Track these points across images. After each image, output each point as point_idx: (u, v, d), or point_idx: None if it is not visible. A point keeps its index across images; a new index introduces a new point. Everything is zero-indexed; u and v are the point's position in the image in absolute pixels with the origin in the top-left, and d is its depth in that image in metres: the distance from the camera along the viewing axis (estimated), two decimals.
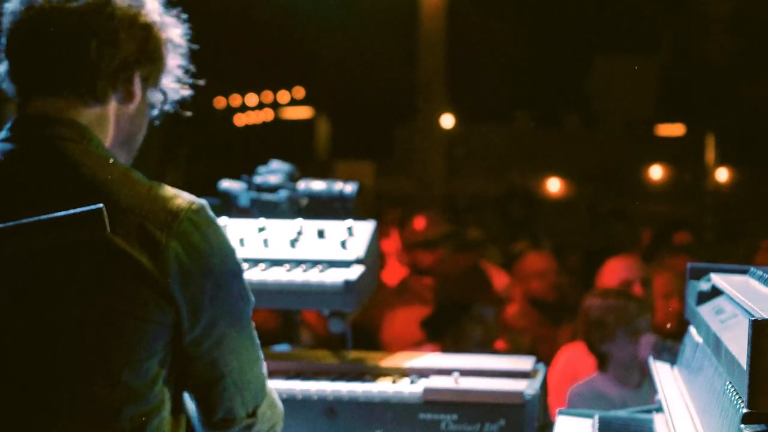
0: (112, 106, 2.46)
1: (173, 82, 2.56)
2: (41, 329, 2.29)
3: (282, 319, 4.11)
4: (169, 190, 2.38)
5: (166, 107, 2.60)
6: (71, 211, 2.00)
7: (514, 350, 5.93)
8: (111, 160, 2.40)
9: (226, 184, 4.02)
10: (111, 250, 2.27)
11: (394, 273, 7.39)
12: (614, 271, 6.18)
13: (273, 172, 4.03)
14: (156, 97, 2.55)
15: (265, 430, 2.59)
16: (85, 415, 2.29)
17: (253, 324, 2.51)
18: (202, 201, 2.40)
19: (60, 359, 2.29)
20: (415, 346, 5.57)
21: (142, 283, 2.29)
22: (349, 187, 3.92)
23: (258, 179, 3.99)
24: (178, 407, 2.45)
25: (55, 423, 2.29)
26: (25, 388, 2.30)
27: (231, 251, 2.42)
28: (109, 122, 2.46)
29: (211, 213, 2.40)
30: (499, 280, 6.42)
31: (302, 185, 3.98)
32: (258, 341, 2.53)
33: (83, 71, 2.41)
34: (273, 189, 3.93)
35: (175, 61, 2.55)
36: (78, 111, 2.42)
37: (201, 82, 2.65)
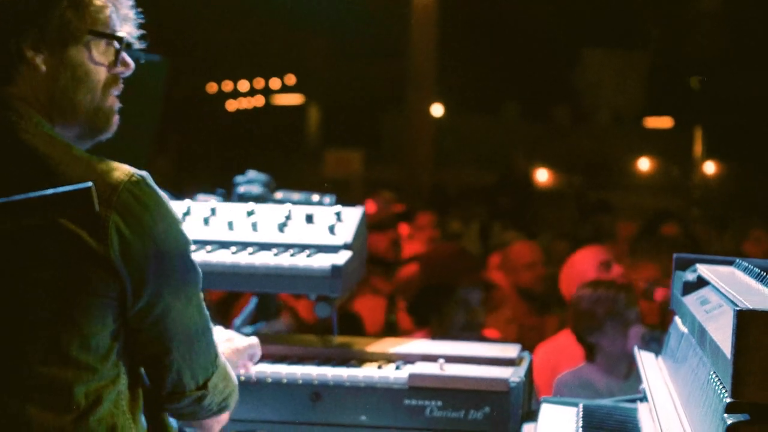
0: (39, 75, 2.41)
1: (101, 39, 2.46)
2: None
3: (260, 299, 4.11)
4: (109, 164, 2.35)
5: (121, 73, 2.51)
6: (59, 189, 1.99)
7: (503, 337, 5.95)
8: (51, 137, 2.38)
9: (202, 198, 4.01)
10: (50, 225, 2.25)
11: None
12: (590, 257, 6.14)
13: (252, 182, 4.04)
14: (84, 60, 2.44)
15: (218, 401, 2.58)
16: (38, 393, 2.28)
17: (202, 295, 2.49)
18: (143, 173, 2.36)
19: (8, 339, 2.28)
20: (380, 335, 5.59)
21: (84, 258, 2.27)
22: (327, 199, 3.96)
23: (241, 189, 3.99)
24: (135, 380, 2.43)
25: (8, 402, 2.28)
26: None
27: (174, 221, 2.40)
28: (41, 92, 2.41)
29: (152, 184, 2.37)
30: None
31: (279, 195, 4.00)
32: (207, 313, 2.51)
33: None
34: (257, 199, 3.93)
35: (89, 15, 2.44)
36: (13, 90, 2.40)
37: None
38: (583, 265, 6.06)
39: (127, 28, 2.53)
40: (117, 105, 2.53)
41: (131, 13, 2.55)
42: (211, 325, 2.53)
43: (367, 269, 6.94)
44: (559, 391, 5.04)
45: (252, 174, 4.06)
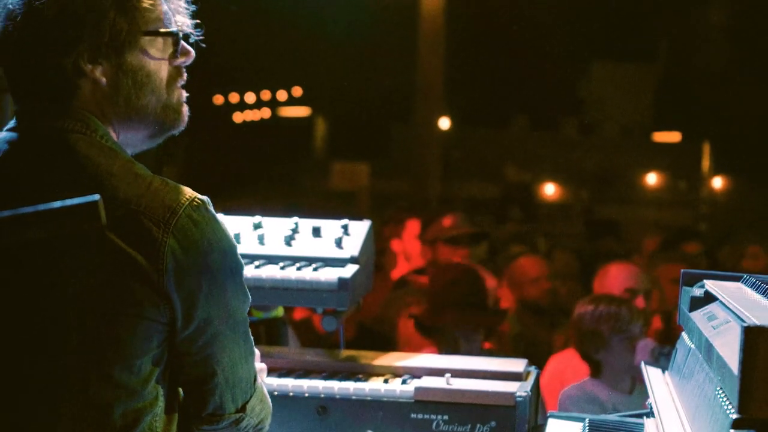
0: (100, 87, 2.40)
1: (162, 43, 2.45)
2: (33, 324, 2.28)
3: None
4: (170, 185, 2.33)
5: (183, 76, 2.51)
6: (66, 202, 1.98)
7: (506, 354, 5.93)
8: (115, 152, 2.36)
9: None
10: (104, 244, 2.24)
11: (402, 272, 7.47)
12: (617, 278, 6.12)
13: None
14: (151, 64, 2.44)
15: (254, 424, 2.58)
16: (77, 411, 2.27)
17: (248, 320, 2.49)
18: (204, 197, 2.35)
19: (51, 355, 2.27)
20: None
21: (136, 280, 2.25)
22: None
23: None
24: (172, 404, 2.42)
25: (46, 419, 2.27)
26: (16, 384, 2.29)
27: (231, 248, 2.37)
28: (105, 103, 2.41)
29: (211, 209, 2.35)
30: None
31: None
32: (251, 337, 2.51)
33: (57, 76, 2.38)
34: None
35: (151, 20, 2.43)
36: (77, 103, 2.39)
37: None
38: (610, 287, 6.04)
39: (180, 19, 2.52)
40: (184, 96, 2.52)
41: (182, 4, 2.54)
42: (255, 348, 2.53)
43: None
44: (564, 404, 5.03)
45: None
